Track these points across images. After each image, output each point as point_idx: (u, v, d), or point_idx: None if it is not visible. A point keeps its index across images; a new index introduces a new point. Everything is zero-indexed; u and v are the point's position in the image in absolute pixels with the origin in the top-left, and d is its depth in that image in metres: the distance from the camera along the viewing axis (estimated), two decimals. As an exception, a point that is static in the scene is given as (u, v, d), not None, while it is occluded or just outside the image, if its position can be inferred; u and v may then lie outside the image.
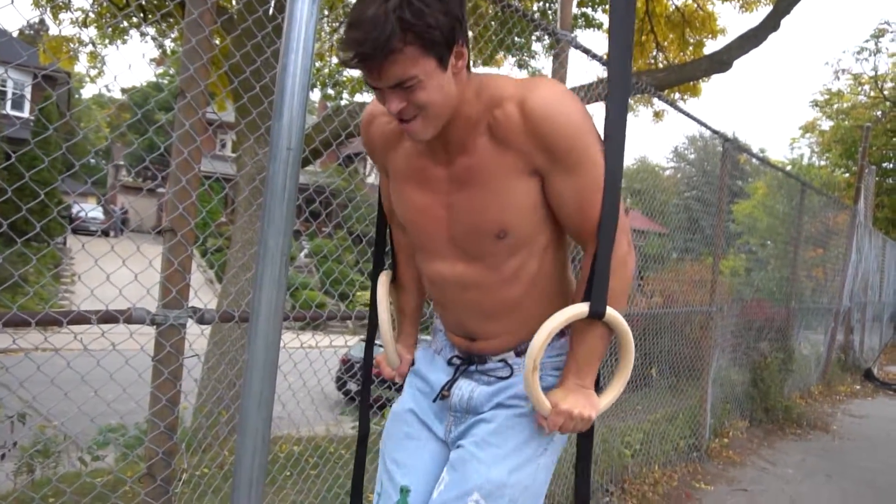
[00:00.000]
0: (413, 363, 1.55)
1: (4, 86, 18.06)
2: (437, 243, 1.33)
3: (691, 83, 8.03)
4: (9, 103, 18.25)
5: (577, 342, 1.27)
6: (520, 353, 1.36)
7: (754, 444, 6.06)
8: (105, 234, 23.29)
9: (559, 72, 3.19)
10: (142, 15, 8.02)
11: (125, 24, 8.52)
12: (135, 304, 1.70)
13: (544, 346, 1.21)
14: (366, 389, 1.60)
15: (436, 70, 1.14)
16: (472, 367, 1.39)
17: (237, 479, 1.59)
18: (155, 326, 1.73)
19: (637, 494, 4.34)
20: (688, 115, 4.65)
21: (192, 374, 1.97)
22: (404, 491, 1.39)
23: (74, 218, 24.79)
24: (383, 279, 1.54)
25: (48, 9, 8.13)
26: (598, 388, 1.33)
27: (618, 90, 1.23)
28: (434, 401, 1.42)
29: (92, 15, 8.46)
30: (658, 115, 8.67)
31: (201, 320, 1.83)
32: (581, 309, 1.22)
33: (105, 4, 7.89)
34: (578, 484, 1.43)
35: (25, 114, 18.01)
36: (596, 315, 1.22)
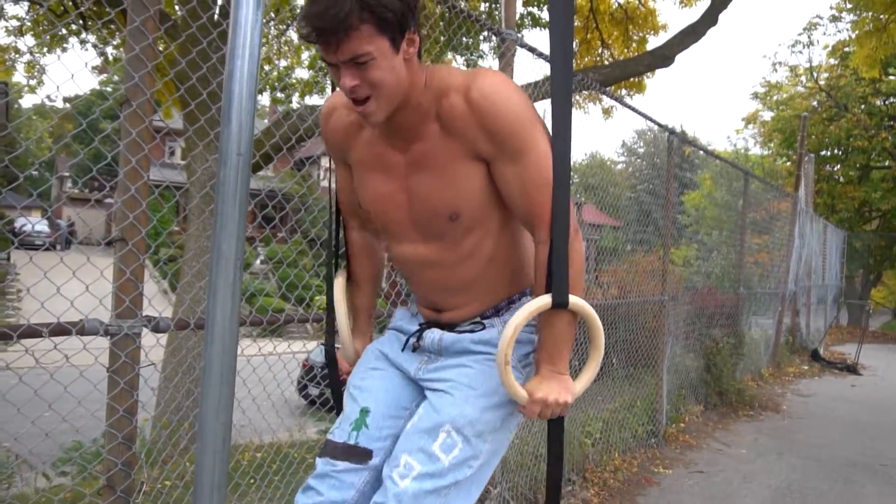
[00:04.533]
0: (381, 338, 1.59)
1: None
2: (400, 226, 1.40)
3: (636, 79, 8.22)
4: None
5: (546, 332, 1.32)
6: (486, 317, 1.42)
7: (709, 427, 6.25)
8: (52, 247, 22.63)
9: (505, 71, 3.25)
10: (81, 22, 7.83)
11: (64, 31, 8.30)
12: (87, 316, 1.69)
13: (513, 342, 1.26)
14: (336, 389, 1.62)
15: (388, 50, 1.21)
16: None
17: (198, 485, 1.60)
18: (109, 337, 1.72)
19: (598, 482, 4.44)
20: (634, 109, 4.77)
21: (148, 383, 1.96)
22: (364, 411, 1.42)
23: (18, 232, 23.98)
24: (339, 280, 1.57)
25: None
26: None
27: (561, 87, 1.28)
28: (402, 349, 1.47)
29: (28, 23, 8.23)
30: (607, 111, 8.85)
31: (156, 329, 1.82)
32: (544, 301, 1.27)
33: (42, 12, 7.67)
34: (551, 468, 1.46)
35: (-39, 126, 17.38)
36: (559, 305, 1.27)
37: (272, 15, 9.35)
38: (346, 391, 1.49)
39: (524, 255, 1.45)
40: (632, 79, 7.84)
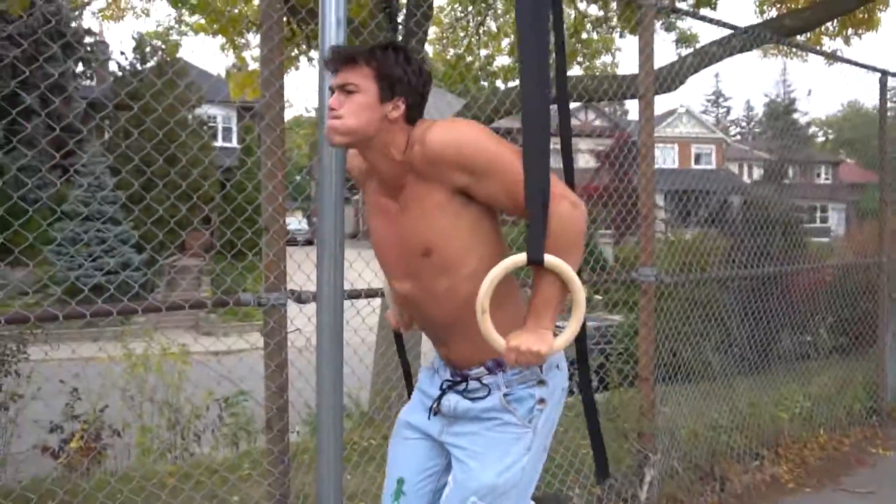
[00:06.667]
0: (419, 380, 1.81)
1: (215, 122, 20.74)
2: (393, 264, 1.61)
3: (863, 15, 7.22)
4: (219, 135, 20.95)
5: (533, 290, 1.46)
6: (490, 369, 1.57)
7: (958, 407, 5.43)
8: (309, 242, 25.73)
9: (644, 49, 3.19)
10: (306, 44, 8.92)
11: (295, 52, 9.50)
12: (241, 290, 2.13)
13: (489, 293, 1.41)
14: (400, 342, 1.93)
15: (374, 96, 1.47)
16: (460, 389, 1.62)
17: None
18: (260, 307, 2.15)
19: (794, 459, 4.16)
20: (826, 54, 4.35)
21: (295, 344, 2.37)
22: (400, 481, 1.70)
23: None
24: None
25: (231, 50, 9.36)
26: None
27: (530, 57, 1.44)
28: (429, 417, 1.68)
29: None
30: (830, 57, 7.84)
31: (298, 300, 2.22)
32: (520, 258, 1.42)
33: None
34: (593, 437, 1.75)
35: (234, 144, 20.60)
36: (534, 262, 1.40)
37: (469, 8, 9.81)
38: (388, 460, 1.79)
39: (514, 307, 1.56)
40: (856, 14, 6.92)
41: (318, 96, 1.86)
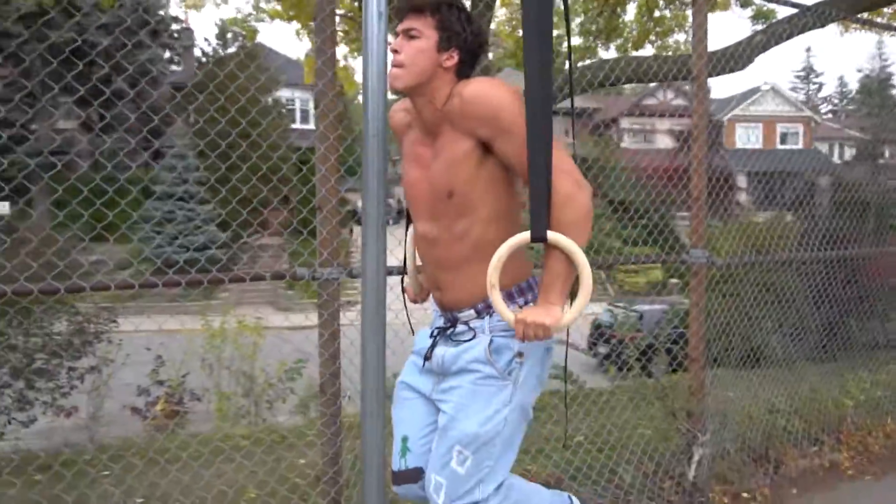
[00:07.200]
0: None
1: (293, 104, 21.41)
2: (420, 206, 1.75)
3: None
4: (297, 117, 21.61)
5: (544, 267, 1.56)
6: (479, 312, 1.68)
7: None
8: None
9: (697, 31, 3.17)
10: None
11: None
12: (296, 265, 2.30)
13: (497, 268, 1.53)
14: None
15: (433, 43, 1.64)
16: (448, 333, 1.74)
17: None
18: (314, 281, 2.32)
19: (857, 446, 4.07)
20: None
21: (347, 315, 2.53)
22: (404, 439, 1.83)
23: (357, 211, 28.09)
24: (411, 231, 1.95)
25: (306, 36, 9.64)
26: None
27: (534, 41, 1.53)
28: (423, 365, 1.80)
29: (340, 34, 9.81)
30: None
31: (350, 275, 2.38)
32: (523, 236, 1.53)
33: (347, 27, 9.10)
34: None
35: (311, 125, 21.19)
36: (537, 239, 1.51)
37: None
38: (393, 424, 1.90)
39: (517, 259, 1.66)
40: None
41: (363, 83, 1.98)
